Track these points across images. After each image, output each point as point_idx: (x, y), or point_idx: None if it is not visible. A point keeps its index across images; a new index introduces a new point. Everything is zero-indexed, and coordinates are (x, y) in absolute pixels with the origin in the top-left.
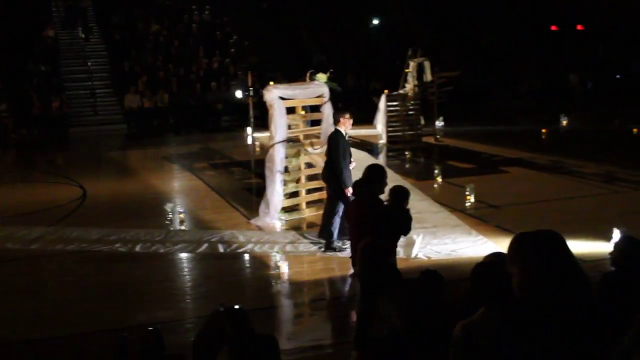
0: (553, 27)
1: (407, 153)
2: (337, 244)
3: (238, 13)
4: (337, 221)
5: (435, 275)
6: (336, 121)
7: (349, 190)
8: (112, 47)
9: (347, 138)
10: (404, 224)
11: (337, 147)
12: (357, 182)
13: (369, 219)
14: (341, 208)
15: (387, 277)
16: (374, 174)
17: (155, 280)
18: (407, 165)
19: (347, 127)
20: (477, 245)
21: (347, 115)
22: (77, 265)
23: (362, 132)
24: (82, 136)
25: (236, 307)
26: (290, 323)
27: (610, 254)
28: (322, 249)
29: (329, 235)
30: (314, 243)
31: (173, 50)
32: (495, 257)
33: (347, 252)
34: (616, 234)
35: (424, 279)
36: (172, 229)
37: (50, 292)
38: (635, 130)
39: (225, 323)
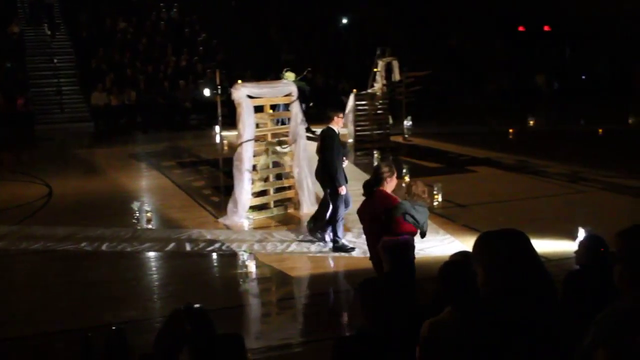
0: (520, 28)
1: (375, 152)
2: (343, 241)
3: (206, 11)
4: (341, 218)
5: (394, 277)
6: (329, 119)
7: (343, 189)
8: (78, 44)
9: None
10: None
11: (332, 146)
12: (367, 182)
13: (386, 216)
14: (341, 207)
15: (409, 272)
16: (382, 173)
17: (122, 279)
18: (375, 165)
19: (339, 125)
20: (444, 244)
21: (341, 115)
22: (43, 264)
23: None
24: (48, 134)
25: (196, 305)
26: (258, 322)
27: (575, 252)
28: (330, 249)
29: (334, 234)
30: (282, 241)
31: (141, 48)
32: (461, 255)
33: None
34: (581, 233)
35: (388, 278)
36: (139, 227)
37: (15, 291)
38: (600, 130)
39: (185, 322)
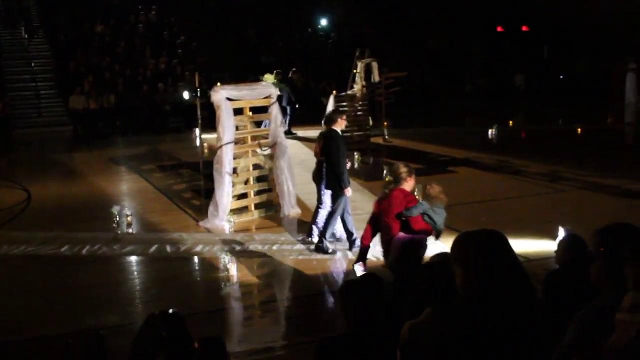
0: (499, 29)
1: (356, 154)
2: (327, 244)
3: (185, 13)
4: (334, 222)
5: (375, 278)
6: (334, 121)
7: (349, 191)
8: (56, 48)
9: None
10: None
11: (338, 147)
12: (388, 181)
13: (405, 215)
14: (341, 208)
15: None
16: (401, 173)
17: (103, 284)
18: (356, 166)
19: (343, 127)
20: None
21: (345, 116)
22: (23, 269)
23: (311, 133)
24: (26, 138)
25: (170, 311)
26: (241, 325)
27: (555, 252)
28: (313, 249)
29: (321, 235)
30: (263, 244)
31: (119, 51)
32: (441, 257)
33: (339, 255)
34: (561, 233)
35: (363, 280)
36: (120, 232)
37: None
38: (579, 130)
39: (160, 328)
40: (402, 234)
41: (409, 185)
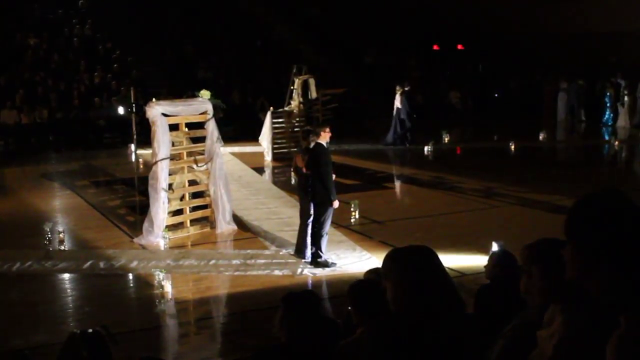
0: (435, 47)
1: (292, 170)
2: (326, 258)
3: (120, 27)
4: (325, 234)
5: (311, 294)
6: (317, 134)
7: (336, 203)
8: None
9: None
10: None
11: (327, 160)
12: None
13: None
14: (327, 221)
15: None
16: None
17: (33, 302)
18: (293, 182)
19: (327, 139)
20: (361, 261)
21: (327, 129)
22: None
23: (248, 149)
24: None
25: (90, 330)
26: (176, 342)
27: (485, 267)
28: (310, 265)
29: (317, 248)
30: (198, 260)
31: (53, 65)
32: (372, 274)
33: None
34: (494, 247)
35: (298, 296)
36: (51, 249)
37: None
38: (512, 146)
39: (81, 347)
40: None
41: None
